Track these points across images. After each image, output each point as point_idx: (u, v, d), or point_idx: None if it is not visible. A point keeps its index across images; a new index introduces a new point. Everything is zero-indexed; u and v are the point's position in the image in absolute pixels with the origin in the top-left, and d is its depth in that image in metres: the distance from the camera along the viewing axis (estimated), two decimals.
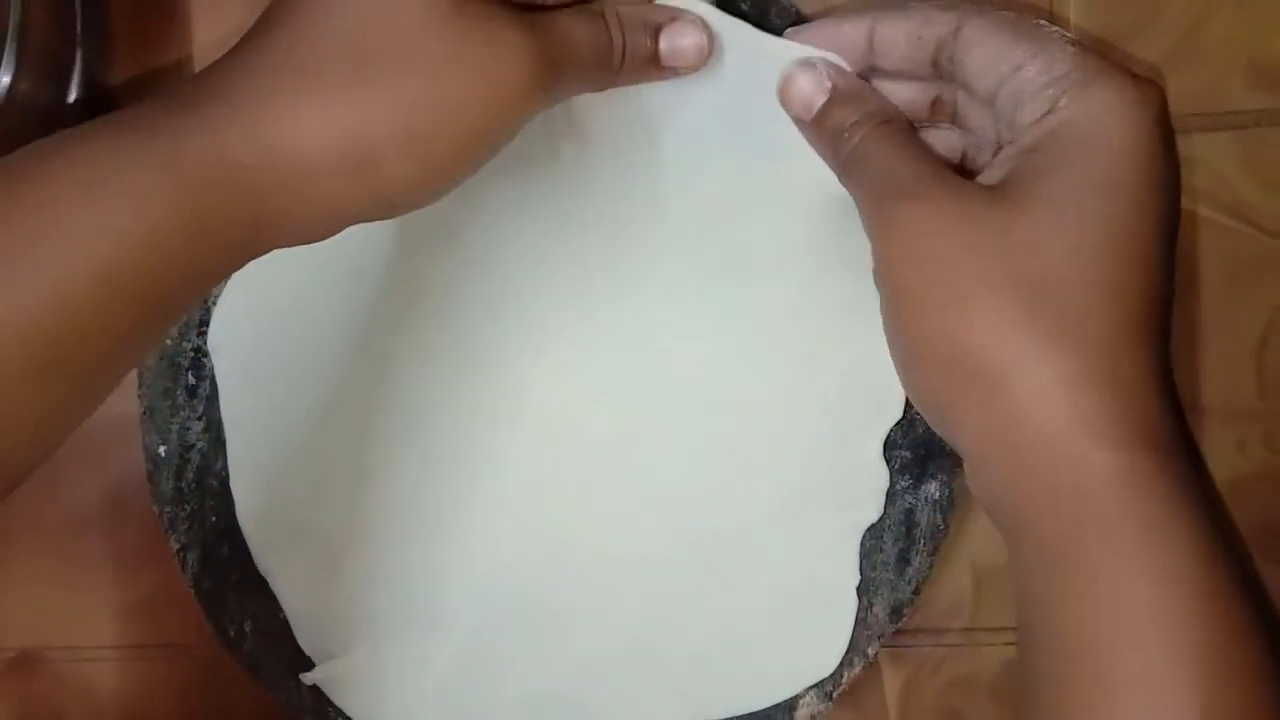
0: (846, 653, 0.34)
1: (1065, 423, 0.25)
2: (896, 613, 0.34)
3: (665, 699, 0.35)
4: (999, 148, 0.29)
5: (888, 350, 0.28)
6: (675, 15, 0.30)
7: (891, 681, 0.36)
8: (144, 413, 0.36)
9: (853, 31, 0.30)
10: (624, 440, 0.34)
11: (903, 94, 0.30)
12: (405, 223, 0.32)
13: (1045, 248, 0.26)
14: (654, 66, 0.30)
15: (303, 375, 0.35)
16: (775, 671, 0.34)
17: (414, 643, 0.35)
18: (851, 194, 0.29)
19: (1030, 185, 0.27)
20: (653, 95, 0.31)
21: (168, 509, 0.36)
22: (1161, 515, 0.25)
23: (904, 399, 0.34)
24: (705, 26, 0.30)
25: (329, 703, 0.35)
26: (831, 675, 0.34)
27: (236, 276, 0.34)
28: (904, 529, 0.34)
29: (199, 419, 0.36)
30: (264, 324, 0.35)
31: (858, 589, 0.34)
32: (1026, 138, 0.27)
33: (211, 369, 0.35)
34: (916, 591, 0.34)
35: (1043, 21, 0.28)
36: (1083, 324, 0.26)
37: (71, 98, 0.38)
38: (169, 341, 0.35)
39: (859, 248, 0.28)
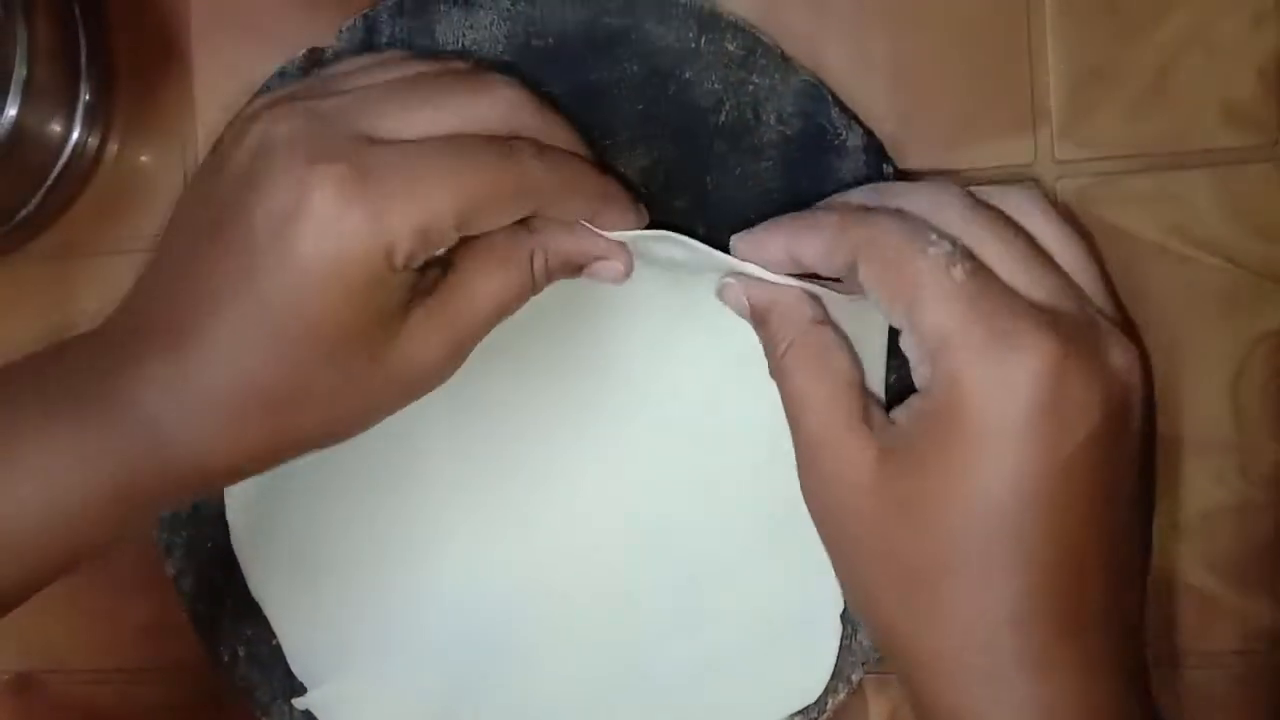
0: (831, 679, 0.34)
1: (966, 701, 0.27)
2: None
3: None
4: None
5: None
6: (601, 253, 0.31)
7: (877, 708, 0.36)
8: None
9: (774, 252, 0.30)
10: (607, 469, 0.35)
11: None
12: None
13: (918, 547, 0.27)
14: (574, 276, 0.32)
15: None
16: (759, 698, 0.34)
17: (404, 669, 0.36)
18: None
19: (905, 471, 0.27)
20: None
21: (164, 535, 0.36)
22: None
23: None
24: (626, 253, 0.31)
25: None
26: (816, 702, 0.34)
27: None
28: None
29: None
30: None
31: (842, 615, 0.34)
32: (917, 404, 0.28)
33: None
34: None
35: (931, 245, 0.27)
36: (962, 613, 0.27)
37: (76, 132, 0.39)
38: None
39: None
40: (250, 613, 0.36)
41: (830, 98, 0.34)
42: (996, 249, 0.28)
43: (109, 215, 0.40)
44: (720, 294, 0.31)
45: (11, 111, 0.36)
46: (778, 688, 0.34)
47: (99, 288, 0.39)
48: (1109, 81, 0.34)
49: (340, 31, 0.36)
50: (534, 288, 0.31)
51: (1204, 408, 0.34)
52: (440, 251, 0.28)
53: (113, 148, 0.40)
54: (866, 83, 0.35)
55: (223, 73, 0.38)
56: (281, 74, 0.36)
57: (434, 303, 0.29)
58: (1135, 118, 0.34)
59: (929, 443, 0.27)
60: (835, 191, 0.32)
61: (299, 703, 0.36)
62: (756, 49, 0.34)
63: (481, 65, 0.33)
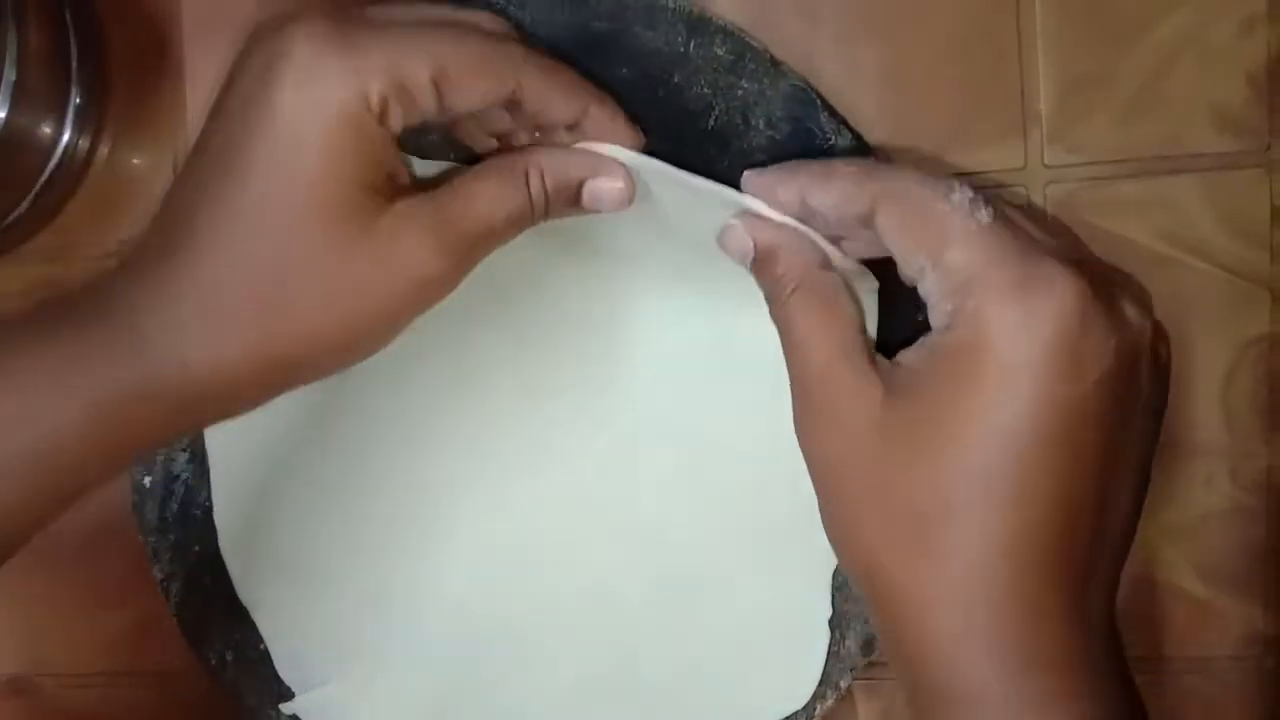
0: (819, 685, 0.34)
1: (949, 643, 0.27)
2: (869, 645, 0.34)
3: None
4: None
5: None
6: (598, 169, 0.30)
7: (865, 714, 0.36)
8: None
9: (786, 196, 0.29)
10: (598, 475, 0.35)
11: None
12: None
13: (922, 483, 0.27)
14: (575, 208, 0.30)
15: (284, 410, 0.35)
16: (747, 704, 0.34)
17: (394, 674, 0.36)
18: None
19: (919, 405, 0.27)
20: (599, 230, 0.32)
21: (152, 539, 0.36)
22: None
23: None
24: (626, 172, 0.30)
25: None
26: (804, 708, 0.34)
27: None
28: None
29: (184, 450, 0.36)
30: None
31: (830, 622, 0.34)
32: (934, 341, 0.27)
33: None
34: None
35: (955, 191, 0.27)
36: (958, 556, 0.26)
37: (67, 134, 0.39)
38: None
39: None
40: (238, 617, 0.36)
41: (819, 102, 0.33)
42: (1010, 209, 0.29)
43: (101, 218, 0.39)
44: (722, 237, 0.30)
45: (1, 114, 0.36)
46: (765, 693, 0.34)
47: None
48: (1099, 86, 0.34)
49: None
50: (533, 210, 0.29)
51: (1194, 412, 0.34)
52: (420, 119, 0.28)
53: (104, 150, 0.40)
54: (857, 88, 0.35)
55: (215, 76, 0.37)
56: None
57: (427, 202, 0.28)
58: (1125, 123, 0.34)
59: (945, 378, 0.27)
60: None
61: (287, 708, 0.36)
62: (746, 53, 0.34)
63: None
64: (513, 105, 0.29)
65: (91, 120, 0.39)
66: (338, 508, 0.36)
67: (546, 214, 0.30)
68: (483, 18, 0.31)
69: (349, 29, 0.27)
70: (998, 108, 0.34)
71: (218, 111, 0.28)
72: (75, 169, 0.39)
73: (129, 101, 0.39)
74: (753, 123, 0.33)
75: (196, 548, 0.36)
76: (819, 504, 0.29)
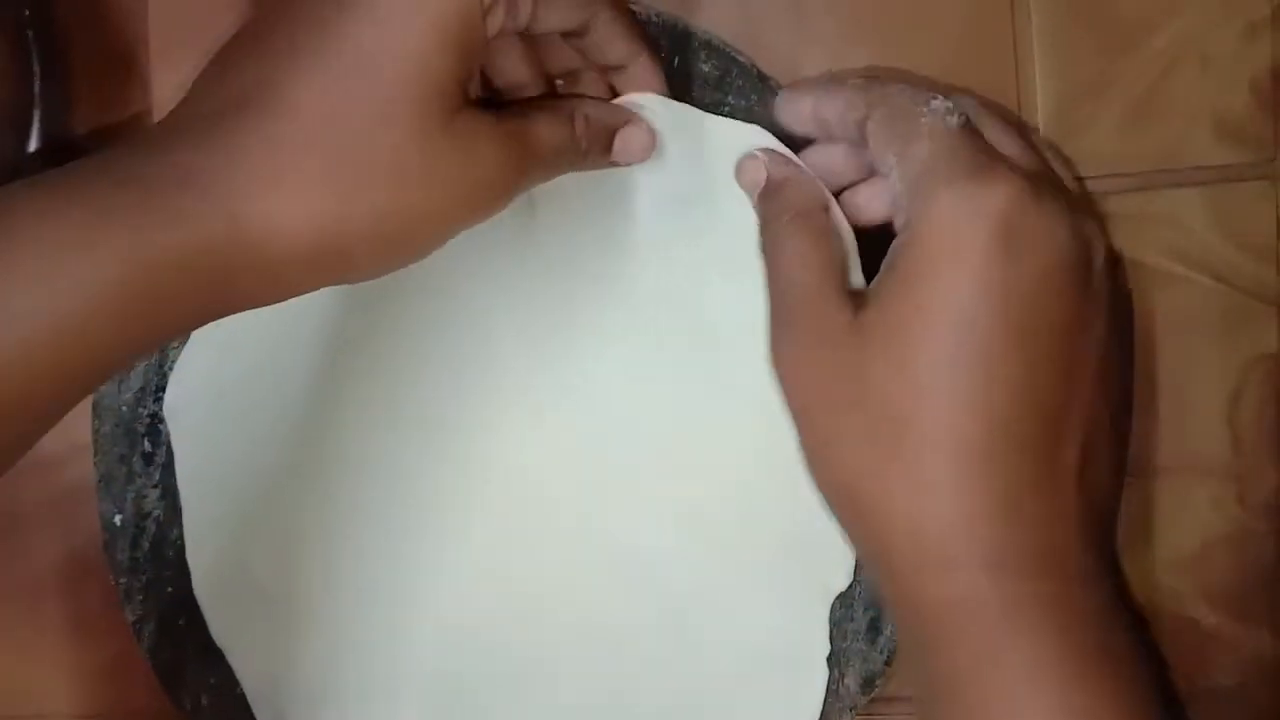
0: None
1: (926, 547, 0.27)
2: (869, 684, 0.33)
3: None
4: None
5: None
6: (630, 119, 0.31)
7: None
8: (99, 480, 0.35)
9: (804, 105, 0.31)
10: (592, 503, 0.34)
11: (844, 159, 0.31)
12: (363, 291, 0.31)
13: (894, 382, 0.27)
14: (605, 158, 0.31)
15: (259, 442, 0.34)
16: None
17: (377, 712, 0.34)
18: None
19: (884, 308, 0.28)
20: (614, 175, 0.32)
21: (123, 579, 0.35)
22: (1050, 651, 0.26)
23: None
24: (652, 129, 0.31)
25: None
26: None
27: (194, 342, 0.34)
28: (875, 596, 0.33)
29: (155, 487, 0.35)
30: (221, 390, 0.34)
31: (828, 659, 0.33)
32: (895, 244, 0.28)
33: (168, 435, 0.35)
34: (889, 661, 0.33)
35: (935, 100, 0.29)
36: (933, 454, 0.27)
37: (31, 146, 0.38)
38: (124, 408, 0.35)
39: None
40: (214, 659, 0.35)
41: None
42: (990, 122, 0.30)
43: None
44: (741, 164, 0.32)
45: None
46: None
47: None
48: (1098, 97, 0.33)
49: None
50: (575, 149, 0.30)
51: (1200, 434, 0.33)
52: (514, 26, 0.28)
53: None
54: None
55: (183, 89, 0.37)
56: None
57: (495, 113, 0.28)
58: (1125, 134, 0.33)
59: (903, 275, 0.28)
60: None
61: None
62: (732, 69, 0.32)
63: None
64: (577, 36, 0.30)
65: (57, 138, 0.38)
66: (314, 544, 0.34)
67: (585, 159, 0.30)
68: None
69: None
70: None
71: None
72: None
73: (94, 115, 0.38)
74: None
75: (170, 589, 0.35)
76: (796, 432, 0.29)
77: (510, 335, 0.34)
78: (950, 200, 0.27)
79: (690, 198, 0.32)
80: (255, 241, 0.25)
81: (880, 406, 0.27)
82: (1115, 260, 0.31)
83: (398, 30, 0.25)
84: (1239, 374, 0.33)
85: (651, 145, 0.31)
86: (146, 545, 0.35)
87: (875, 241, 0.29)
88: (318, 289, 0.27)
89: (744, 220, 0.31)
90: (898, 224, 0.29)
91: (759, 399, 0.33)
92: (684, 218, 0.33)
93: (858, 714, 0.33)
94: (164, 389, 0.35)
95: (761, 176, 0.31)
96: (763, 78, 0.33)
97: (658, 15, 0.33)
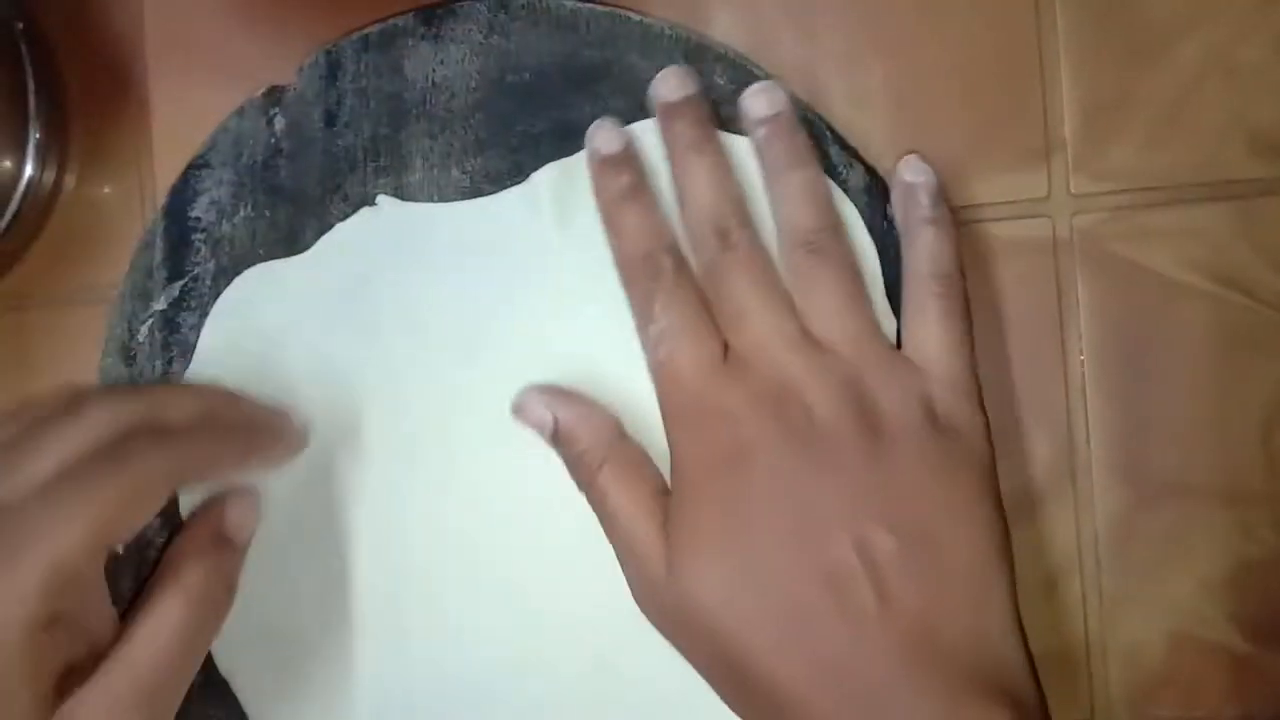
0: None
1: None
2: None
3: None
4: None
5: None
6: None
7: None
8: None
9: None
10: (590, 539, 0.33)
11: None
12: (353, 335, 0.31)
13: (689, 615, 0.28)
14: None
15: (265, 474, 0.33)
16: None
17: None
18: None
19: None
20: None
21: (126, 609, 0.34)
22: None
23: None
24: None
25: None
26: None
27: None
28: None
29: (158, 516, 0.34)
30: None
31: None
32: None
33: None
34: None
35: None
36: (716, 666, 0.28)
37: (28, 171, 0.37)
38: None
39: None
40: (219, 690, 0.34)
41: (830, 134, 0.31)
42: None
43: (65, 262, 0.37)
44: (517, 409, 0.31)
45: None
46: None
47: (57, 340, 0.37)
48: (1126, 110, 0.32)
49: (300, 69, 0.34)
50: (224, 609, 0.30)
51: (1232, 456, 0.32)
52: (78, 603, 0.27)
53: (67, 190, 0.38)
54: (866, 114, 0.33)
55: (181, 111, 0.36)
56: (240, 112, 0.34)
57: (95, 684, 0.27)
58: (1154, 148, 0.32)
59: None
60: None
61: None
62: (749, 83, 0.31)
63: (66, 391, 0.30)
64: None
65: (54, 154, 0.38)
66: (322, 575, 0.33)
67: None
68: (85, 403, 0.28)
69: None
70: (1018, 133, 0.32)
71: None
72: (38, 209, 0.38)
73: (92, 139, 0.37)
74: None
75: None
76: None
77: (502, 374, 0.33)
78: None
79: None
80: None
81: (702, 649, 0.29)
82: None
83: None
84: (1273, 396, 0.32)
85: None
86: (149, 574, 0.34)
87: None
88: None
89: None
90: None
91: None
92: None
93: None
94: None
95: (547, 419, 0.31)
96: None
97: (671, 28, 0.32)
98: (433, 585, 0.33)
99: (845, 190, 0.31)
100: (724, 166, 0.30)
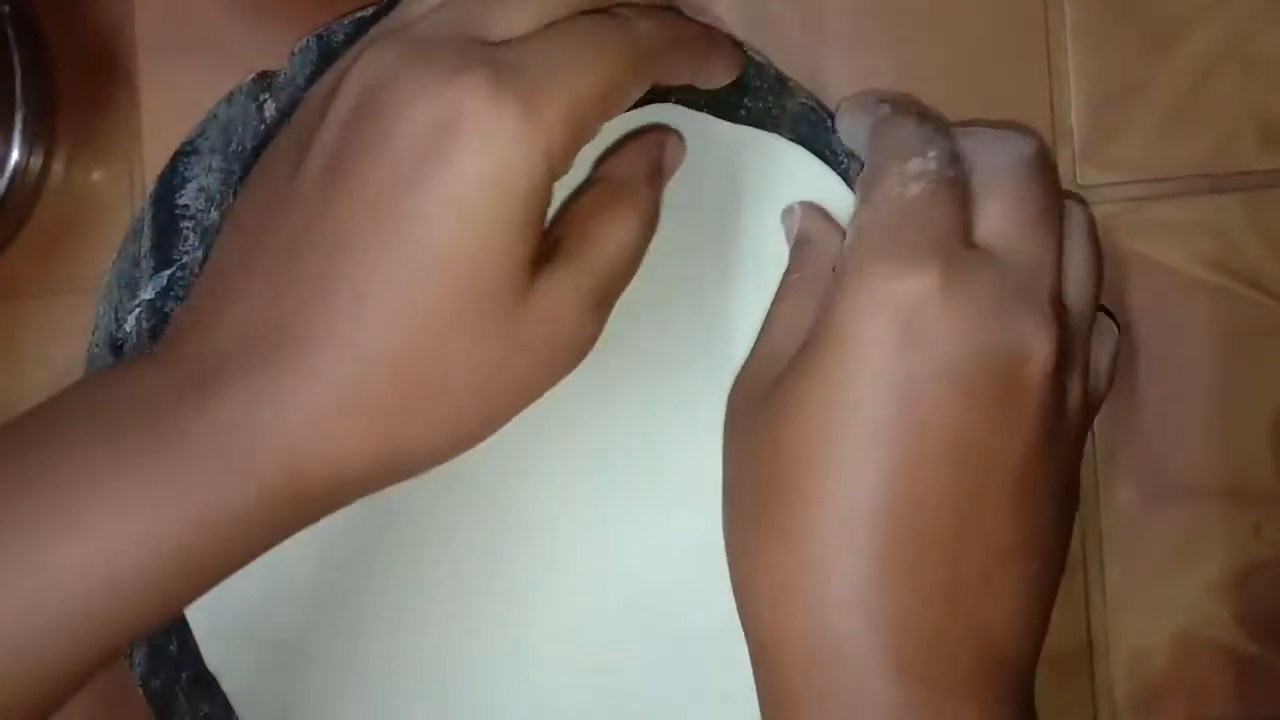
0: None
1: (823, 645, 0.26)
2: None
3: None
4: None
5: None
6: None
7: None
8: None
9: (852, 125, 0.30)
10: (601, 542, 0.32)
11: None
12: None
13: (780, 458, 0.26)
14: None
15: None
16: None
17: None
18: None
19: (789, 375, 0.27)
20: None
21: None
22: None
23: None
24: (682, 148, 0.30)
25: None
26: None
27: None
28: None
29: None
30: None
31: None
32: (817, 317, 0.27)
33: None
34: None
35: (918, 154, 0.27)
36: (797, 531, 0.26)
37: (14, 156, 0.36)
38: None
39: None
40: (208, 687, 0.33)
41: (831, 123, 0.31)
42: (998, 192, 0.27)
43: (54, 249, 0.37)
44: (785, 213, 0.31)
45: None
46: None
47: (45, 328, 0.37)
48: (1136, 99, 0.31)
49: (292, 54, 0.33)
50: (654, 225, 0.28)
51: (1241, 454, 0.32)
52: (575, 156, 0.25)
53: (55, 176, 0.37)
54: None
55: (170, 95, 0.35)
56: (230, 98, 0.33)
57: (566, 262, 0.25)
58: (1164, 138, 0.31)
59: (808, 353, 0.27)
60: None
61: None
62: (750, 70, 0.31)
63: None
64: None
65: (42, 139, 0.37)
66: (313, 575, 0.33)
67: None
68: None
69: (509, 69, 0.23)
70: (1024, 123, 0.32)
71: (336, 183, 0.24)
72: (26, 196, 0.37)
73: (81, 124, 0.37)
74: None
75: None
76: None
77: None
78: (856, 283, 0.26)
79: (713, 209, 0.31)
80: (318, 489, 0.24)
81: (758, 480, 0.27)
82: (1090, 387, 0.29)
83: (470, 235, 0.23)
84: None
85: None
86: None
87: None
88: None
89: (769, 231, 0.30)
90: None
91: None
92: (702, 227, 0.31)
93: None
94: None
95: (793, 228, 0.30)
96: (782, 79, 0.31)
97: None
98: (426, 584, 0.33)
99: (848, 182, 0.30)
100: None
